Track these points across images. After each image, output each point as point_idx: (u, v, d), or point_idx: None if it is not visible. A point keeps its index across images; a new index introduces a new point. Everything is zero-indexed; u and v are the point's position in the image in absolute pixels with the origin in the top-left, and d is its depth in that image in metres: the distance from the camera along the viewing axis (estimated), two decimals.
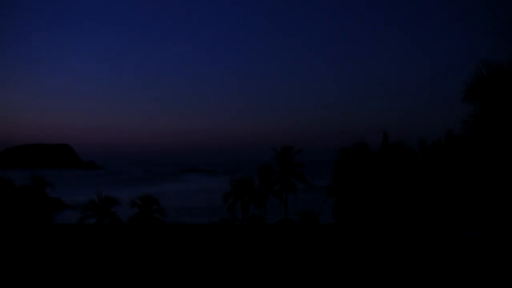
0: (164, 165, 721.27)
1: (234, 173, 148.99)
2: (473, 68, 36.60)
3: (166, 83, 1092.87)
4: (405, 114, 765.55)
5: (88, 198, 77.55)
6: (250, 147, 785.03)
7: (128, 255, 63.59)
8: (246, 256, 62.45)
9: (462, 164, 45.58)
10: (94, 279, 53.12)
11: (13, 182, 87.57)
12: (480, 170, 40.26)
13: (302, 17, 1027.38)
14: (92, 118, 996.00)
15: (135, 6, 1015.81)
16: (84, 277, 53.84)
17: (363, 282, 47.65)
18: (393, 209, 48.36)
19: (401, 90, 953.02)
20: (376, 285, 46.54)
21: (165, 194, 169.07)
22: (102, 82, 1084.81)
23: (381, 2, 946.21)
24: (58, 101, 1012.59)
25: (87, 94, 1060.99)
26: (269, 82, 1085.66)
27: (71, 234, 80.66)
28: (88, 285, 52.00)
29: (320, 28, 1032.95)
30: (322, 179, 68.90)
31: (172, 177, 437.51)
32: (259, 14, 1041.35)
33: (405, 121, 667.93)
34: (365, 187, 49.59)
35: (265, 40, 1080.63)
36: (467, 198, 45.95)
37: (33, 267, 56.80)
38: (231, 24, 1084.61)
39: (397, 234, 48.63)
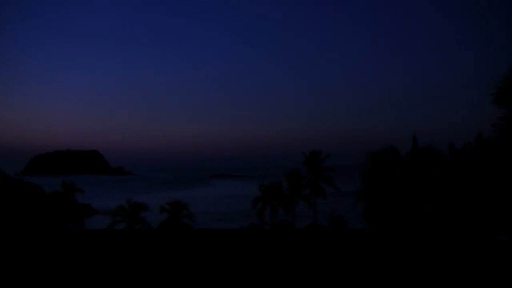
0: (192, 170, 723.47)
1: (262, 178, 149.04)
2: (504, 70, 36.17)
3: (195, 90, 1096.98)
4: (435, 118, 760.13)
5: (117, 204, 77.99)
6: (278, 152, 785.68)
7: (158, 260, 63.77)
8: (275, 261, 62.31)
9: (492, 167, 45.07)
10: (124, 284, 53.33)
11: (43, 188, 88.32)
12: (511, 173, 39.81)
13: (329, 26, 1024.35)
14: (121, 125, 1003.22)
15: (170, 11, 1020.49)
16: (114, 282, 54.07)
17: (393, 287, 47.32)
18: (423, 213, 47.97)
19: (431, 93, 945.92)
20: None
21: (193, 199, 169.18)
22: (132, 89, 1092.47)
23: (407, 8, 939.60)
24: (87, 108, 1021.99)
25: (116, 101, 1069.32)
26: (297, 90, 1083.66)
27: (102, 240, 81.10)
28: None
29: (346, 36, 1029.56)
30: (351, 184, 68.69)
31: (201, 182, 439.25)
32: (289, 24, 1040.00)
33: (434, 125, 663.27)
34: (394, 191, 49.26)
35: (290, 49, 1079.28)
36: (498, 201, 45.42)
37: (64, 272, 57.18)
38: (267, 34, 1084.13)
39: (427, 238, 48.23)
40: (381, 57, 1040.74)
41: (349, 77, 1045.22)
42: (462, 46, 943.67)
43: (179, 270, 57.61)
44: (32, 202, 76.46)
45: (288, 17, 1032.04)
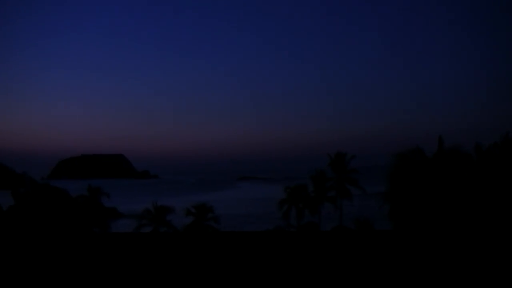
0: (218, 173, 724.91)
1: (288, 180, 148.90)
2: None
3: (220, 91, 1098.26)
4: (460, 117, 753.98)
5: (143, 207, 78.25)
6: (304, 154, 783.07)
7: (184, 263, 63.84)
8: (301, 263, 62.09)
9: None
10: (150, 287, 53.43)
11: (69, 192, 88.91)
12: None
13: (350, 27, 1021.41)
14: (146, 128, 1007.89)
15: (194, 12, 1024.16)
16: (140, 284, 54.19)
17: None
18: (450, 213, 47.53)
19: (456, 92, 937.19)
20: None
21: (219, 202, 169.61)
22: (156, 92, 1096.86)
23: (430, 6, 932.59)
24: (112, 112, 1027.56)
25: (141, 104, 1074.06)
26: (320, 91, 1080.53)
27: (128, 243, 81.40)
28: None
29: (367, 36, 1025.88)
30: (377, 185, 68.13)
31: (226, 185, 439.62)
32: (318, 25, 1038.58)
33: (460, 124, 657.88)
34: (421, 192, 48.85)
35: (312, 49, 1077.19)
36: None
37: (91, 276, 57.43)
38: (289, 35, 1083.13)
39: (453, 239, 47.80)
40: (404, 56, 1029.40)
41: (373, 77, 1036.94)
42: (487, 44, 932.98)
43: (204, 273, 57.60)
44: (58, 206, 77.01)
45: (310, 18, 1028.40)
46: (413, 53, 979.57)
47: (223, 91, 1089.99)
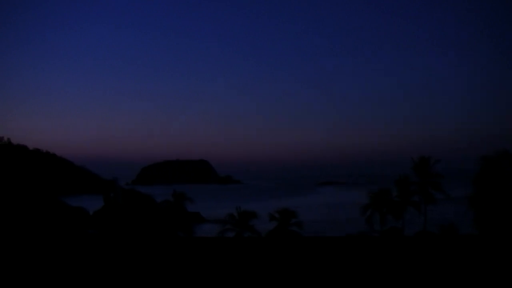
0: (299, 178, 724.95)
1: (369, 185, 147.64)
2: None
3: (300, 97, 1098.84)
4: None
5: (226, 212, 79.00)
6: (385, 158, 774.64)
7: (268, 268, 64.26)
8: (385, 268, 61.74)
9: None
10: None
11: (154, 197, 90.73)
12: None
13: (420, 29, 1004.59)
14: (228, 134, 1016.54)
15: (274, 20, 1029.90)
16: None
17: None
18: None
19: None
20: None
21: (300, 207, 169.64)
22: (238, 97, 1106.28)
23: None
24: (195, 119, 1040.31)
25: (222, 110, 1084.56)
26: (401, 93, 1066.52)
27: (213, 247, 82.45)
28: None
29: (440, 40, 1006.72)
30: (462, 189, 66.90)
31: (308, 190, 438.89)
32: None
33: None
34: (508, 197, 48.02)
35: (387, 54, 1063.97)
36: None
37: (177, 280, 58.52)
38: (363, 40, 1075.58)
39: None
40: (488, 56, 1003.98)
41: (455, 78, 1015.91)
42: None
43: (290, 278, 57.97)
44: (144, 210, 78.83)
45: (384, 24, 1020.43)
46: (498, 53, 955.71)
47: (304, 96, 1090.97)
